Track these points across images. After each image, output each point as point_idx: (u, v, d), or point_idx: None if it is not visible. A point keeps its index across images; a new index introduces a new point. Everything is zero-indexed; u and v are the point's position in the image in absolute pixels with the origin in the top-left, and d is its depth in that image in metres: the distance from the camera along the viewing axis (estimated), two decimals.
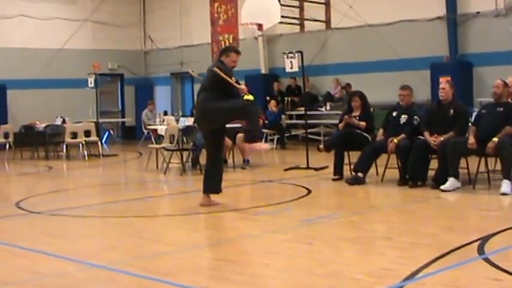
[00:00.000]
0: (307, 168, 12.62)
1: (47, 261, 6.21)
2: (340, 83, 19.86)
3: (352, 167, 11.08)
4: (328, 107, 19.32)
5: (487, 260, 5.54)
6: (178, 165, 13.46)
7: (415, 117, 10.33)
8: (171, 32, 24.80)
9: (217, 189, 8.78)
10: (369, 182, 10.52)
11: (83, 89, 20.02)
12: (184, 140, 14.36)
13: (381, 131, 10.75)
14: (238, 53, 8.84)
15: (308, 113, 15.69)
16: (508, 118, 9.34)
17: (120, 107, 26.17)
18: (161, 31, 25.34)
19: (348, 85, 19.10)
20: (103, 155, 17.65)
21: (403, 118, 10.42)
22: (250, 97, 14.43)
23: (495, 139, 9.16)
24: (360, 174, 10.44)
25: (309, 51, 18.12)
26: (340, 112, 14.12)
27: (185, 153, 13.49)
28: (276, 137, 19.08)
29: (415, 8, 18.16)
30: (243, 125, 13.61)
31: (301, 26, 21.10)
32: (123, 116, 25.89)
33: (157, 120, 16.30)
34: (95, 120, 19.27)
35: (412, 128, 10.23)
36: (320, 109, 19.48)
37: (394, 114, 10.61)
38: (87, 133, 17.62)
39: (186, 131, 13.53)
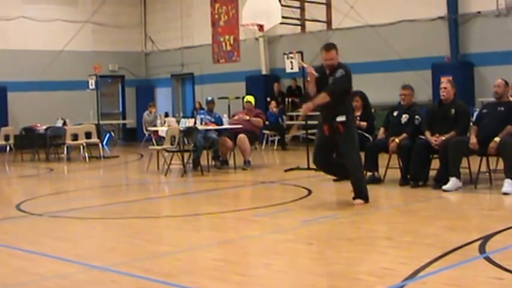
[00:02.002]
0: (308, 169, 12.59)
1: (48, 262, 6.20)
2: None
3: None
4: None
5: (488, 259, 5.53)
6: (179, 166, 13.44)
7: (417, 116, 10.32)
8: (171, 33, 24.79)
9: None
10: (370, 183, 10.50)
11: (83, 90, 20.04)
12: (185, 142, 14.36)
13: (381, 129, 10.72)
14: (326, 49, 8.47)
15: (309, 113, 15.63)
16: (510, 117, 9.32)
17: (121, 109, 26.18)
18: (162, 32, 25.35)
19: None
20: (104, 157, 17.64)
21: (404, 117, 10.40)
22: (250, 97, 14.48)
23: (497, 139, 9.14)
24: (376, 174, 10.46)
25: (310, 51, 18.08)
26: None
27: (186, 155, 13.47)
28: (276, 138, 19.08)
29: (416, 8, 18.14)
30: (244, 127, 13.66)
31: (302, 26, 21.07)
32: (124, 118, 25.90)
33: (158, 121, 16.29)
34: (96, 122, 19.28)
35: (414, 128, 10.20)
36: None
37: (395, 113, 10.59)
38: (88, 135, 17.60)
39: (187, 132, 13.51)
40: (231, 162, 13.72)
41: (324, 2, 20.25)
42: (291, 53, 13.37)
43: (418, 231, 7.02)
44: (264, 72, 21.70)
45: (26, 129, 18.82)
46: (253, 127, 13.92)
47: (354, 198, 8.70)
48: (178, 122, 14.92)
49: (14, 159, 17.97)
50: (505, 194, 8.87)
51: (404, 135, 10.16)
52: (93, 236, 7.68)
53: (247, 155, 13.60)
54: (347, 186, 10.37)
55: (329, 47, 8.51)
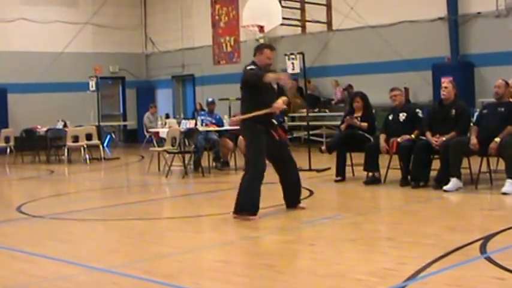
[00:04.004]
0: (310, 169, 12.59)
1: (49, 264, 6.20)
2: (339, 84, 19.84)
3: (353, 168, 11.08)
4: (327, 111, 19.40)
5: (489, 259, 5.53)
6: (180, 168, 13.45)
7: (417, 110, 10.38)
8: (172, 34, 24.80)
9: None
10: (371, 183, 10.50)
11: (84, 92, 20.02)
12: (186, 143, 14.35)
13: (382, 137, 10.53)
14: (272, 48, 8.28)
15: (310, 114, 15.66)
16: (510, 118, 9.32)
17: (121, 110, 26.18)
18: (162, 34, 25.35)
19: (350, 86, 19.09)
20: (105, 159, 17.66)
21: (402, 116, 10.42)
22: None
23: (497, 139, 9.14)
24: (376, 175, 10.46)
25: (311, 52, 18.11)
26: (341, 113, 14.09)
27: (187, 156, 13.47)
28: None
29: (416, 9, 18.15)
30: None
31: (303, 27, 21.08)
32: (124, 119, 25.90)
33: (159, 123, 16.29)
34: (97, 123, 19.28)
35: (421, 122, 10.21)
36: (324, 110, 19.56)
37: (391, 116, 10.59)
38: (89, 137, 17.61)
39: (188, 133, 13.51)
40: (231, 163, 13.72)
41: (324, 3, 20.27)
42: (292, 54, 13.36)
43: (419, 231, 7.02)
44: None
45: (27, 131, 18.82)
46: None
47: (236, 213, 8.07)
48: (179, 123, 14.92)
49: (15, 161, 17.98)
50: (504, 193, 8.87)
51: (416, 131, 10.16)
52: (94, 238, 7.68)
53: None
54: (348, 187, 10.41)
55: (274, 47, 8.43)
